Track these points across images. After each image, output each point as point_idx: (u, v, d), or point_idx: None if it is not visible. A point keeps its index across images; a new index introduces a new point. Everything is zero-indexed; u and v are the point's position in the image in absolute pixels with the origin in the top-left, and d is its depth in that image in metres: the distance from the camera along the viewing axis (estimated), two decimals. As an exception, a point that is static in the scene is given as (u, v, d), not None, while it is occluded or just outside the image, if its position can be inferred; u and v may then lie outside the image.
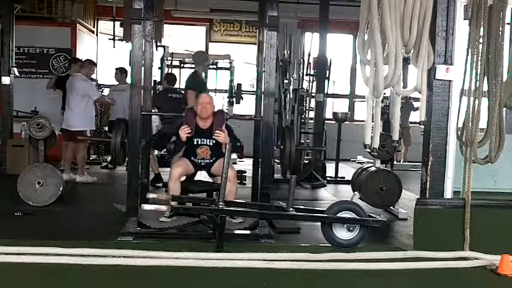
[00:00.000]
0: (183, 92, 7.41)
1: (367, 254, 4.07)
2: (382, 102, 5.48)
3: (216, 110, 4.99)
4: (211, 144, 4.84)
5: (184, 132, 4.73)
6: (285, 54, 8.55)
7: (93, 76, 10.25)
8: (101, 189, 6.95)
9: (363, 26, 4.37)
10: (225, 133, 4.75)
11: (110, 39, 10.50)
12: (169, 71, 9.32)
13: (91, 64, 7.62)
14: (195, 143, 4.85)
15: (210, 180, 4.96)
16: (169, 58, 10.05)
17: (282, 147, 5.06)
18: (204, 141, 4.85)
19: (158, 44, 8.98)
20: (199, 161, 4.89)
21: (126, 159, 5.05)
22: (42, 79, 9.37)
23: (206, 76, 8.84)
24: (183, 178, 4.85)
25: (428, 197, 4.37)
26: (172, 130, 6.11)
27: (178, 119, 5.31)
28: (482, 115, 4.15)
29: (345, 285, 3.64)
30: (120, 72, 8.35)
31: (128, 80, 6.79)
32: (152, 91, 5.62)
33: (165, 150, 6.57)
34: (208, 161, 4.89)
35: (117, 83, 8.46)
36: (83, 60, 7.87)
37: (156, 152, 7.37)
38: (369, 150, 4.66)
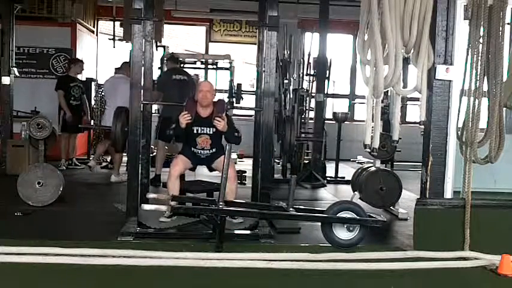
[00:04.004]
0: (188, 73, 7.25)
1: (367, 254, 4.06)
2: (382, 102, 5.47)
3: (216, 100, 4.99)
4: (211, 132, 4.83)
5: (184, 118, 4.71)
6: (285, 54, 8.54)
7: (93, 76, 10.32)
8: (101, 189, 6.94)
9: (363, 26, 4.36)
10: (225, 120, 4.74)
11: (110, 39, 10.48)
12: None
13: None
14: (195, 131, 4.83)
15: (210, 175, 4.95)
16: (169, 58, 10.02)
17: (283, 133, 5.11)
18: (204, 129, 4.84)
19: (158, 44, 8.97)
20: (199, 151, 4.87)
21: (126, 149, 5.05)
22: (42, 79, 9.38)
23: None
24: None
25: (428, 197, 4.36)
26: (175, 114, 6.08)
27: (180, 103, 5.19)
28: (482, 115, 4.14)
29: (345, 285, 3.63)
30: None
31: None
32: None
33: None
34: (208, 151, 4.88)
35: None
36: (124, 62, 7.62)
37: (165, 145, 7.29)
38: (369, 150, 4.66)
